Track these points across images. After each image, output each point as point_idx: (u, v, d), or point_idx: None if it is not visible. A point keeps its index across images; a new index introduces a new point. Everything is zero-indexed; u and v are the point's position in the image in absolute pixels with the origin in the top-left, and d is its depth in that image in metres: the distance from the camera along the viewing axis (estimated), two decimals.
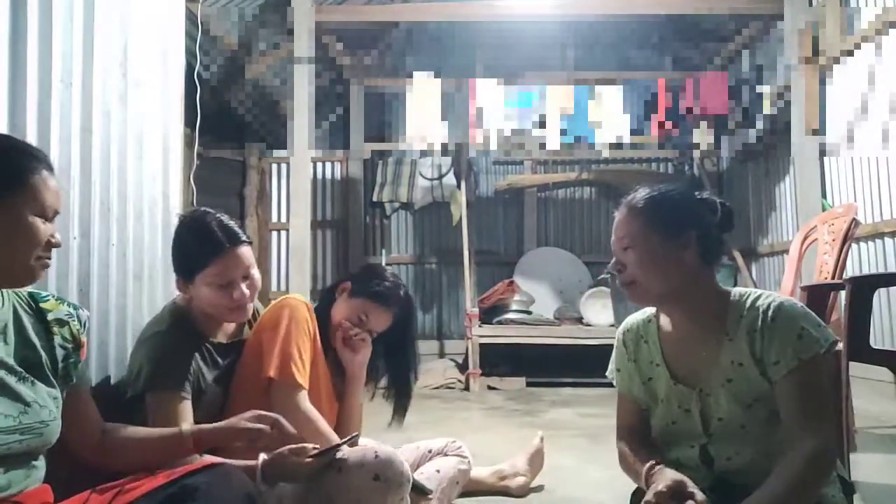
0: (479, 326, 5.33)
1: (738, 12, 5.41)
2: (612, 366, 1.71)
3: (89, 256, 2.33)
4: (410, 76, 5.65)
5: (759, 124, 5.64)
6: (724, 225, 1.55)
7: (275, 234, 6.83)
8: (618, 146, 5.61)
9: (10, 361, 1.23)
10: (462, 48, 6.75)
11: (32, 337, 1.30)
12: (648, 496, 1.35)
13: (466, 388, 5.16)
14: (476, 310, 5.43)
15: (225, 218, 1.86)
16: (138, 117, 2.68)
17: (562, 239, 6.76)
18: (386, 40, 6.73)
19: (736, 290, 1.55)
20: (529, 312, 5.68)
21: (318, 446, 1.69)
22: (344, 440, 1.75)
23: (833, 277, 2.87)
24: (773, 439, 1.43)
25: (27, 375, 1.25)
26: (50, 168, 1.29)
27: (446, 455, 2.21)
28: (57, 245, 1.26)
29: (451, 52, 6.75)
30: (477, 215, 6.48)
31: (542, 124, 5.48)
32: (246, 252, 1.82)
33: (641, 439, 1.61)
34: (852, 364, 1.97)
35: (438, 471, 2.09)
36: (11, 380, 1.22)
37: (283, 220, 6.81)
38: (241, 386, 1.88)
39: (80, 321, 1.39)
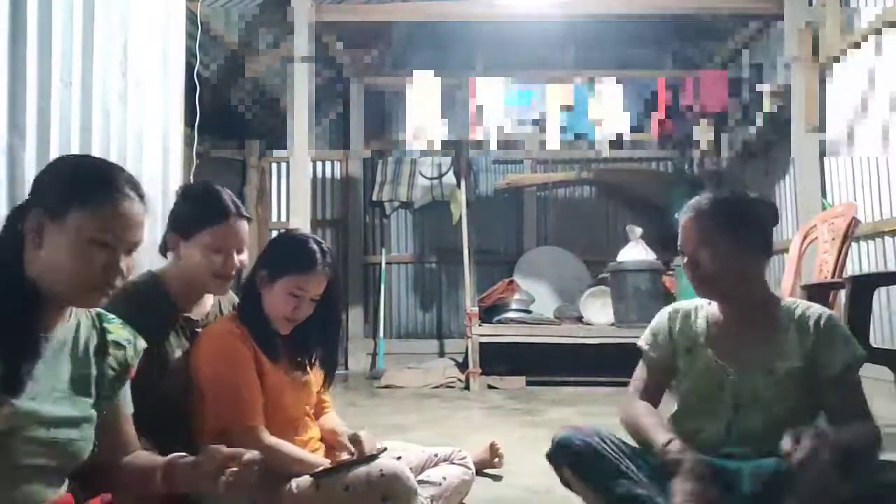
0: (479, 325, 5.33)
1: (739, 12, 5.42)
2: (648, 334, 1.85)
3: None
4: (410, 74, 5.65)
5: (759, 123, 5.64)
6: (775, 221, 1.77)
7: (274, 233, 6.81)
8: (618, 144, 5.60)
9: (59, 384, 1.23)
10: (462, 47, 6.76)
11: (90, 353, 1.31)
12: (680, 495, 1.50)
13: (466, 388, 5.16)
14: (476, 309, 5.42)
15: (230, 192, 1.91)
16: (138, 116, 2.69)
17: (561, 238, 6.74)
18: (386, 39, 6.73)
19: (787, 298, 1.78)
20: (529, 311, 5.68)
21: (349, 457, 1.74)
22: (372, 454, 1.79)
23: (833, 276, 2.87)
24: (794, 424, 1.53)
25: (70, 393, 1.25)
26: (126, 195, 1.23)
27: (452, 463, 2.19)
28: (119, 275, 1.23)
29: (450, 51, 6.75)
30: (477, 214, 6.48)
31: (542, 122, 5.48)
32: (246, 227, 1.87)
33: (653, 402, 1.78)
34: None
35: (445, 478, 2.08)
36: (53, 397, 1.21)
37: (283, 219, 6.81)
38: (197, 405, 1.83)
39: (135, 349, 1.39)
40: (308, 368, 2.01)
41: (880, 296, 3.95)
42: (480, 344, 5.25)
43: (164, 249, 1.93)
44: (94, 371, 1.30)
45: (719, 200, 1.74)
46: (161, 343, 1.80)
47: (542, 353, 5.38)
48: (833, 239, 3.03)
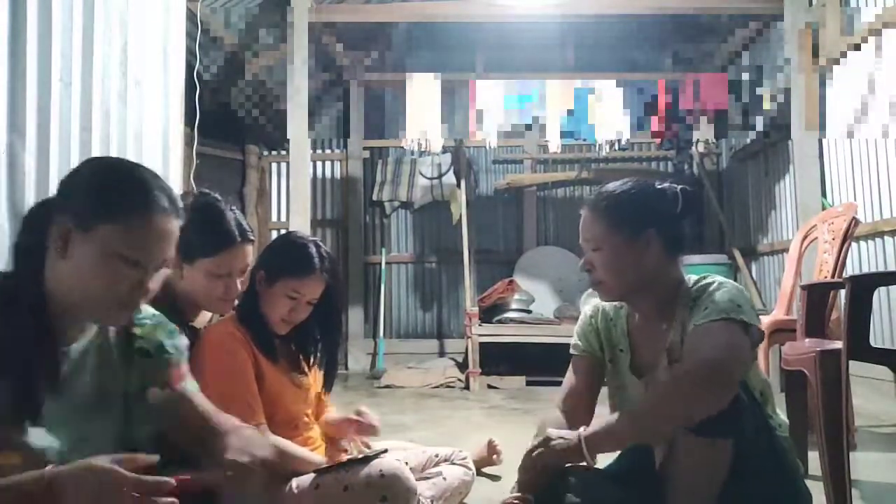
0: (479, 325, 5.34)
1: (738, 12, 5.42)
2: (574, 338, 1.76)
3: None
4: (410, 75, 5.64)
5: (759, 124, 5.64)
6: (686, 212, 1.59)
7: (274, 233, 6.82)
8: (618, 143, 5.58)
9: (79, 400, 1.14)
10: (462, 48, 6.75)
11: (115, 365, 1.21)
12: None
13: (466, 387, 5.17)
14: (476, 309, 5.43)
15: (238, 212, 1.89)
16: (138, 116, 2.68)
17: (562, 238, 6.73)
18: (386, 40, 6.72)
19: (692, 277, 1.60)
20: (529, 311, 5.68)
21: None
22: (372, 453, 1.79)
23: (833, 276, 2.89)
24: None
25: (90, 410, 1.16)
26: (164, 210, 1.12)
27: (453, 463, 2.19)
28: (144, 293, 1.13)
29: (451, 52, 6.74)
30: (477, 214, 6.48)
31: (542, 124, 5.47)
32: (250, 250, 1.86)
33: (579, 406, 1.69)
34: (852, 363, 1.97)
35: (445, 478, 2.09)
36: (67, 413, 1.12)
37: (283, 219, 6.83)
38: None
39: (177, 349, 1.28)
40: (307, 370, 2.02)
41: (880, 296, 3.95)
42: (480, 344, 5.25)
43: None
44: (121, 382, 1.21)
45: (610, 194, 1.59)
46: None
47: (542, 352, 5.37)
48: (833, 239, 3.04)
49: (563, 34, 6.61)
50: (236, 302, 1.98)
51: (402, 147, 5.85)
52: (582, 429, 1.45)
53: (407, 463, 1.92)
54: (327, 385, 2.06)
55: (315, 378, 2.06)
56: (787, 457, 1.49)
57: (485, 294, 5.80)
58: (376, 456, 1.77)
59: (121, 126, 2.55)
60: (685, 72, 6.06)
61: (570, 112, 5.37)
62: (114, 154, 2.50)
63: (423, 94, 5.39)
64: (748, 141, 6.01)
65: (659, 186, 1.62)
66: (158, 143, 2.82)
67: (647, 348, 1.61)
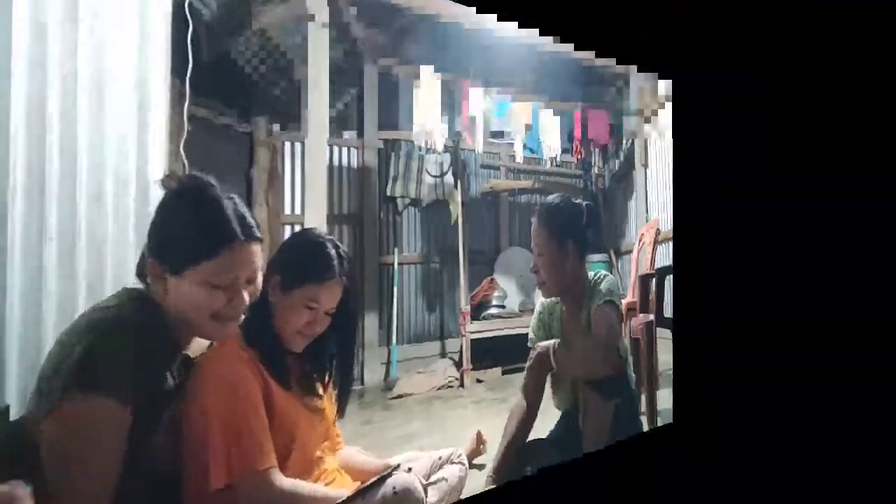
0: (471, 323, 5.53)
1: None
2: (530, 332, 2.31)
3: (5, 253, 1.58)
4: (418, 67, 5.28)
5: (621, 156, 7.18)
6: (590, 223, 2.08)
7: (287, 228, 5.51)
8: (554, 160, 6.55)
9: None
10: (461, 48, 5.95)
11: None
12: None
13: (462, 385, 5.27)
14: (468, 307, 5.58)
15: (239, 201, 1.47)
16: (96, 55, 1.84)
17: (525, 239, 7.00)
18: (399, 23, 5.96)
19: (590, 273, 2.14)
20: (504, 307, 6.03)
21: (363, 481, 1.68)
22: (385, 472, 1.72)
23: (650, 268, 3.80)
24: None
25: None
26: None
27: (452, 463, 2.22)
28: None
29: (450, 51, 6.01)
30: (471, 215, 6.44)
31: (511, 136, 6.26)
32: (258, 251, 1.47)
33: (536, 393, 2.19)
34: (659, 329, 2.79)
35: (446, 479, 2.16)
36: None
37: (298, 211, 5.56)
38: (193, 456, 1.53)
39: None
40: (322, 392, 1.84)
41: (670, 281, 4.60)
42: (471, 341, 5.41)
43: (141, 271, 1.46)
44: None
45: (549, 206, 2.07)
46: (156, 391, 1.38)
47: (513, 343, 5.35)
48: (650, 242, 3.99)
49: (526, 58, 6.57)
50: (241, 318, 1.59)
51: (412, 141, 5.56)
52: (554, 341, 2.01)
53: (417, 472, 1.89)
54: (341, 407, 1.87)
55: (329, 399, 1.87)
56: (634, 403, 2.13)
57: (474, 293, 6.02)
58: (390, 474, 1.70)
59: (68, 66, 1.71)
60: (591, 107, 6.74)
61: (527, 127, 6.20)
62: (53, 108, 1.70)
63: (428, 88, 5.22)
64: (617, 169, 7.48)
65: (575, 202, 2.10)
66: (131, 99, 1.95)
67: (573, 331, 2.09)
